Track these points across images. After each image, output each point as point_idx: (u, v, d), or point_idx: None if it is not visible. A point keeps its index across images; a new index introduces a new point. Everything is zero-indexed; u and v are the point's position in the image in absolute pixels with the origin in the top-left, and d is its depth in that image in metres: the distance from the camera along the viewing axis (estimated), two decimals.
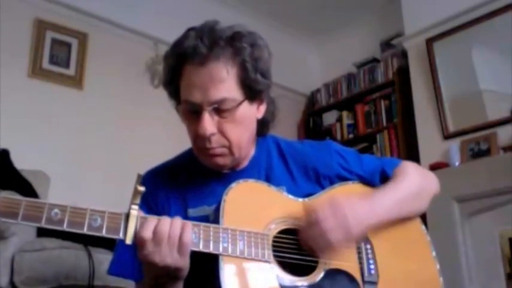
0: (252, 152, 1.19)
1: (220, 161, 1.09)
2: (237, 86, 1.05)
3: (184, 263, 0.91)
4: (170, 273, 0.92)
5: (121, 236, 0.88)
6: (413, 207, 1.18)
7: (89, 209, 0.87)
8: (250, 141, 1.14)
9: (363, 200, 1.07)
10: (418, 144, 3.60)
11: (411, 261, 1.14)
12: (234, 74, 1.04)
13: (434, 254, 1.17)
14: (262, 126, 1.17)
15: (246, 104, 1.07)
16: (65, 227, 0.84)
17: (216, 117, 1.04)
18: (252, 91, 1.07)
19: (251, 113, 1.10)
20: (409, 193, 1.16)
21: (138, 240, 0.88)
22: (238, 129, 1.07)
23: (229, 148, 1.07)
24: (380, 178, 1.22)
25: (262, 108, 1.14)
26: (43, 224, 0.83)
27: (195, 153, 1.13)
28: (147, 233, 0.88)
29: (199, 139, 1.06)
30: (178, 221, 0.92)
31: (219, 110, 1.04)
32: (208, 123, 1.03)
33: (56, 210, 0.84)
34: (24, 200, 0.83)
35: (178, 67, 1.07)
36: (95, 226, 0.86)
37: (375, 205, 1.08)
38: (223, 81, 1.03)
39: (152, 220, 0.90)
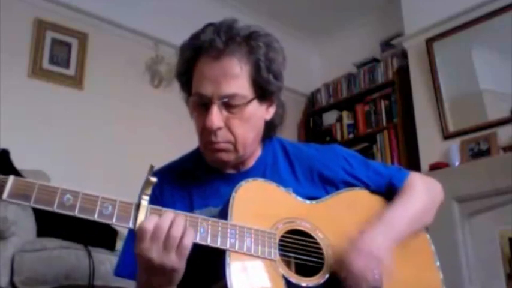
0: (258, 153, 1.19)
1: (224, 156, 1.09)
2: (248, 83, 1.06)
3: (181, 265, 0.90)
4: (165, 273, 0.90)
5: (131, 225, 0.89)
6: (422, 224, 1.20)
7: (101, 196, 0.88)
8: (255, 141, 1.14)
9: (379, 227, 1.07)
10: (418, 144, 3.60)
11: (415, 269, 1.14)
12: (247, 71, 1.05)
13: (438, 263, 1.17)
14: (270, 128, 1.18)
15: (255, 103, 1.08)
16: (76, 213, 0.85)
17: (224, 112, 1.05)
18: (263, 91, 1.08)
19: (260, 112, 1.11)
20: (418, 212, 1.17)
21: (139, 231, 0.88)
22: (245, 127, 1.07)
23: (234, 144, 1.08)
24: (386, 188, 1.22)
25: (272, 110, 1.15)
26: (55, 209, 0.84)
27: (200, 149, 1.14)
28: (149, 225, 0.88)
29: (205, 132, 1.07)
30: (181, 220, 0.91)
31: (228, 105, 1.04)
32: (216, 116, 1.04)
33: (68, 195, 0.86)
34: (37, 183, 0.85)
35: (193, 59, 1.08)
36: (106, 214, 0.87)
37: (392, 231, 1.09)
38: (236, 77, 1.04)
39: (155, 215, 0.90)
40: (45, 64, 3.26)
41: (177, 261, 0.89)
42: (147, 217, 0.90)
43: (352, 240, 1.03)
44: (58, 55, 3.33)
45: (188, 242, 0.90)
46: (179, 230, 0.90)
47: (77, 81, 3.37)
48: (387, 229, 1.08)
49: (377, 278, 1.01)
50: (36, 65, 3.21)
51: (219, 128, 1.05)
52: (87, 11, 3.46)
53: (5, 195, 0.82)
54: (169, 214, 0.91)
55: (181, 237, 0.89)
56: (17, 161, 2.58)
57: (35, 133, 3.08)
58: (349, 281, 0.99)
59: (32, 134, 3.06)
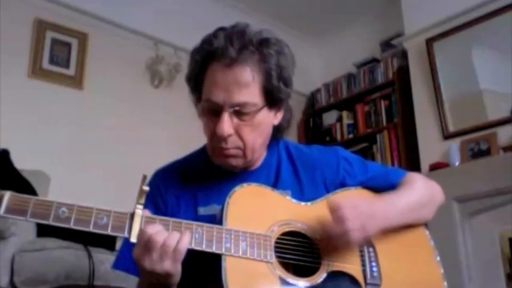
0: (264, 154, 1.21)
1: (233, 161, 1.11)
2: (259, 91, 1.07)
3: (175, 269, 0.92)
4: (160, 278, 0.92)
5: (126, 234, 0.91)
6: (421, 215, 1.20)
7: (95, 208, 0.90)
8: (263, 146, 1.17)
9: (380, 202, 1.10)
10: (418, 144, 3.60)
11: (414, 264, 1.14)
12: (258, 80, 1.06)
13: (438, 258, 1.17)
14: (276, 131, 1.20)
15: (265, 110, 1.09)
16: (71, 225, 0.88)
17: (235, 119, 1.06)
18: (273, 98, 1.10)
19: (269, 119, 1.13)
20: (418, 200, 1.18)
21: (137, 238, 0.91)
22: (254, 133, 1.09)
23: (243, 150, 1.10)
24: (384, 185, 1.22)
25: (280, 115, 1.17)
26: (51, 222, 0.87)
27: (208, 151, 1.15)
28: (144, 237, 0.90)
29: (215, 138, 1.08)
30: (176, 233, 0.93)
31: (239, 112, 1.06)
32: (227, 124, 1.05)
33: (64, 208, 0.88)
34: (33, 199, 0.87)
35: (204, 64, 1.08)
36: (101, 224, 0.90)
37: (390, 208, 1.10)
38: (248, 85, 1.05)
39: (151, 227, 0.91)
40: (45, 64, 3.26)
41: (170, 267, 0.91)
42: (144, 226, 0.92)
43: (353, 199, 1.05)
44: (58, 55, 3.33)
45: (183, 247, 0.91)
46: (174, 237, 0.91)
47: (77, 81, 3.37)
48: (388, 208, 1.10)
49: (355, 244, 1.03)
50: (36, 65, 3.21)
51: (230, 135, 1.06)
52: (87, 11, 3.46)
53: (1, 211, 0.85)
54: (163, 230, 0.92)
55: (177, 243, 0.91)
56: (17, 161, 2.59)
57: (35, 133, 3.08)
58: (333, 230, 1.01)
59: (32, 134, 3.06)
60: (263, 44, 1.07)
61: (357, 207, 1.03)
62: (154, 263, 0.90)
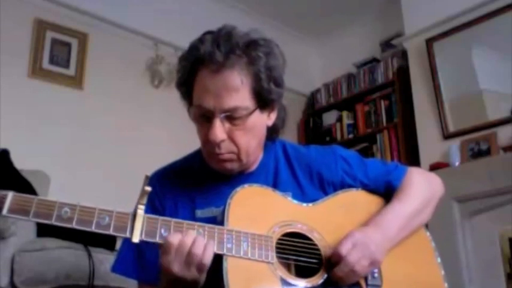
0: (260, 155, 1.20)
1: (228, 166, 1.11)
2: (250, 95, 1.06)
3: (201, 278, 0.93)
4: (186, 285, 0.93)
5: (128, 234, 0.91)
6: (420, 221, 1.20)
7: (98, 208, 0.90)
8: (258, 148, 1.16)
9: (376, 228, 1.09)
10: (418, 144, 3.60)
11: (415, 266, 1.14)
12: (247, 83, 1.05)
13: (439, 260, 1.17)
14: (272, 131, 1.19)
15: (257, 113, 1.08)
16: (74, 225, 0.88)
17: (227, 124, 1.05)
18: (264, 100, 1.09)
19: (262, 120, 1.12)
20: (417, 208, 1.18)
21: (164, 245, 0.91)
22: (247, 137, 1.08)
23: (238, 154, 1.09)
24: (385, 187, 1.22)
25: (273, 115, 1.16)
26: (53, 222, 0.87)
27: (204, 157, 1.15)
28: (175, 240, 0.91)
29: (208, 144, 1.07)
30: (201, 238, 0.93)
31: (231, 117, 1.05)
32: (219, 130, 1.04)
33: (66, 208, 0.88)
34: (36, 198, 0.87)
35: (193, 70, 1.07)
36: (103, 224, 0.89)
37: (388, 231, 1.10)
38: (237, 90, 1.03)
39: (179, 232, 0.93)
40: (45, 64, 3.26)
41: (197, 275, 0.92)
42: (173, 233, 0.92)
43: (351, 234, 1.05)
44: (58, 55, 3.33)
45: (208, 258, 0.92)
46: (200, 247, 0.92)
47: (77, 81, 3.37)
48: (385, 230, 1.09)
49: (367, 273, 1.02)
50: (36, 65, 3.21)
51: (222, 141, 1.06)
52: (87, 11, 3.46)
53: (4, 211, 0.84)
54: (191, 232, 0.94)
55: (202, 253, 0.92)
56: (17, 161, 2.58)
57: (35, 133, 3.08)
58: (341, 272, 1.01)
59: (32, 134, 3.06)
60: (250, 46, 1.06)
61: (358, 243, 1.03)
62: (184, 268, 0.91)
